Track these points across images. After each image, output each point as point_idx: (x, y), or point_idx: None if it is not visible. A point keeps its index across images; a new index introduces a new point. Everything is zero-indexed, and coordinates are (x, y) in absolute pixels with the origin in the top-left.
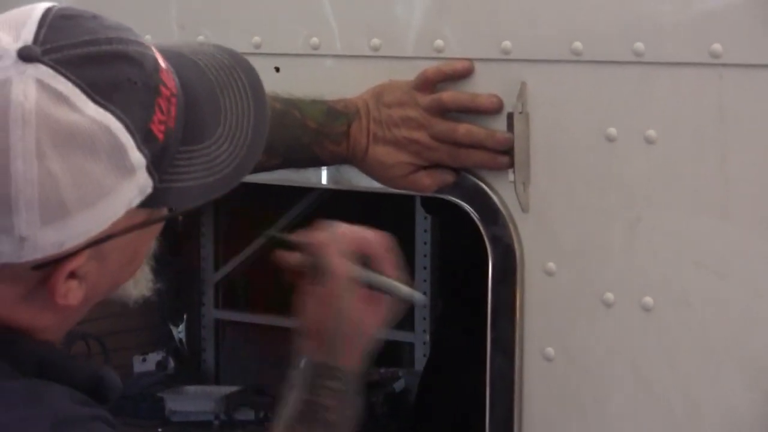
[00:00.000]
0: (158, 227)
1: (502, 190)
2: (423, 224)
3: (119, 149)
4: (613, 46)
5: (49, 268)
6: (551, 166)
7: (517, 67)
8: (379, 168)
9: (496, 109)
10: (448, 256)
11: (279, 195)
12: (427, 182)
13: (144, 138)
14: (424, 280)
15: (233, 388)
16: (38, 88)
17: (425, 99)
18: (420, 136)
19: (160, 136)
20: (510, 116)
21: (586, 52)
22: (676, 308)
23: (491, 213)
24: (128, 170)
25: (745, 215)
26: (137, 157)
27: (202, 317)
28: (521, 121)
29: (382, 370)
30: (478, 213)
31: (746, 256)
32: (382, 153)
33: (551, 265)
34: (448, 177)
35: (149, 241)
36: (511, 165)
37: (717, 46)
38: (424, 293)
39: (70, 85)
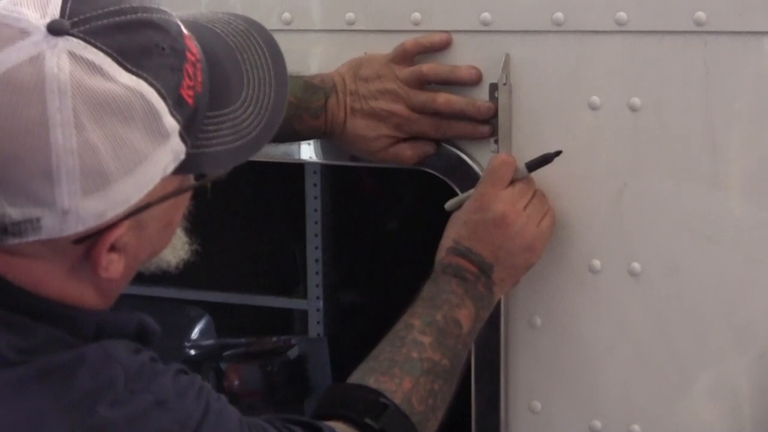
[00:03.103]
0: (189, 194)
1: (484, 162)
2: (313, 191)
3: (153, 115)
4: (595, 15)
5: (91, 240)
6: (535, 136)
7: (498, 38)
8: (359, 141)
9: (475, 81)
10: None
11: None
12: (409, 154)
13: (175, 103)
14: (316, 248)
15: None
16: (71, 60)
17: (404, 71)
18: (399, 108)
19: (190, 101)
20: (492, 87)
21: (568, 22)
22: (664, 274)
23: (473, 185)
24: (163, 136)
25: (734, 181)
26: (171, 123)
27: None
28: (504, 92)
29: (275, 339)
30: (459, 185)
31: (735, 221)
32: (362, 126)
33: None
34: (429, 148)
35: (182, 208)
36: (493, 134)
37: (701, 14)
38: (316, 260)
39: (101, 54)
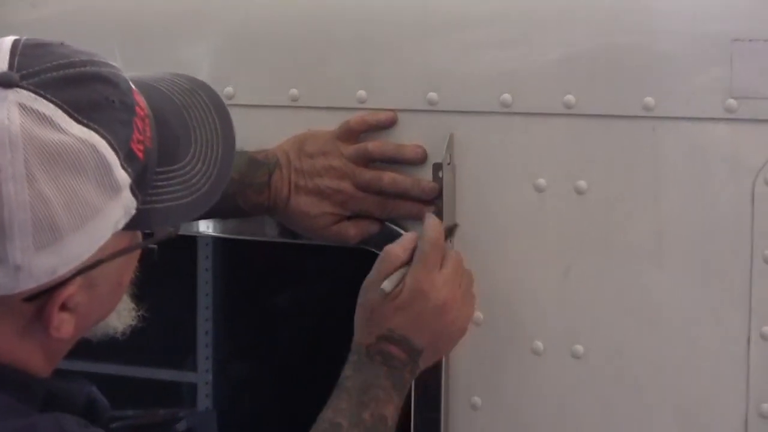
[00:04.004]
0: (138, 253)
1: None
2: (205, 263)
3: (105, 167)
4: (543, 98)
5: (42, 298)
6: (479, 216)
7: (444, 117)
8: (302, 218)
9: (421, 160)
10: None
11: None
12: (352, 233)
13: (126, 156)
14: (206, 320)
15: None
16: (21, 112)
17: (349, 148)
18: (344, 185)
19: (141, 155)
20: (436, 167)
21: (516, 104)
22: (607, 357)
23: None
24: (114, 189)
25: (678, 265)
26: (122, 176)
27: None
28: (448, 172)
29: (164, 412)
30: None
31: (679, 304)
32: (305, 203)
33: (478, 315)
34: (373, 227)
35: (132, 268)
36: (437, 215)
37: (650, 99)
38: (206, 333)
39: (51, 106)
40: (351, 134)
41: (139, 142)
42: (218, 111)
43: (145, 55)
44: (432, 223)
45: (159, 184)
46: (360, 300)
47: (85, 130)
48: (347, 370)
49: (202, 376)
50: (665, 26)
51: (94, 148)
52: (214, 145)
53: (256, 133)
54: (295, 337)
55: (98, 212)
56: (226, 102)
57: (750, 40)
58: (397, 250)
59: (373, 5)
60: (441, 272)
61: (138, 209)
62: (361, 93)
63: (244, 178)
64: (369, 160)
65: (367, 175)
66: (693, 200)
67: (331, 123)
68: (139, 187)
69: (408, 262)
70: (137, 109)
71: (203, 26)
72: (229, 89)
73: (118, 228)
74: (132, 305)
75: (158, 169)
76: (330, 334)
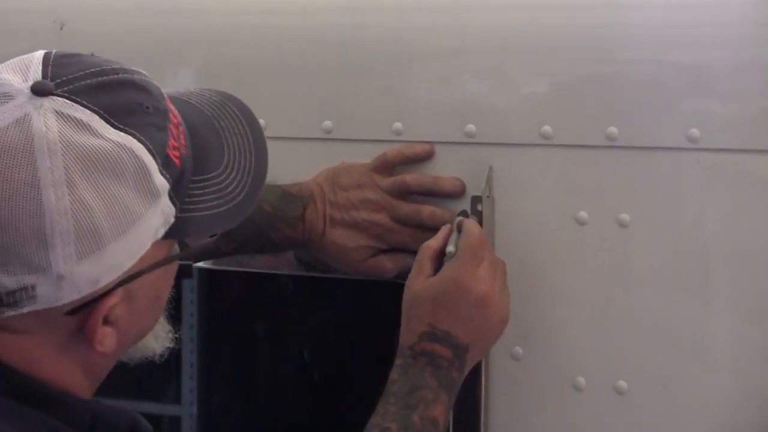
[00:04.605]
0: (175, 268)
1: None
2: (189, 296)
3: (144, 172)
4: (585, 130)
5: (85, 310)
6: (519, 250)
7: (482, 150)
8: (338, 252)
9: (459, 193)
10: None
11: None
12: (389, 266)
13: (164, 162)
14: (191, 352)
15: None
16: (58, 119)
17: (386, 181)
18: (381, 218)
19: (177, 161)
20: (475, 200)
21: (557, 136)
22: (651, 393)
23: None
24: (154, 195)
25: (724, 298)
26: (161, 181)
27: None
28: (488, 205)
29: None
30: None
31: (725, 339)
32: (341, 236)
33: (518, 350)
34: (410, 260)
35: (169, 282)
36: None
37: (694, 131)
38: (191, 365)
39: (88, 112)
40: (387, 167)
41: (174, 148)
42: (248, 121)
43: (175, 87)
44: (472, 223)
45: (195, 192)
46: (403, 298)
47: (122, 134)
48: (393, 374)
49: (186, 408)
50: (710, 57)
51: (133, 153)
52: (247, 155)
53: (289, 166)
54: (282, 369)
55: (139, 219)
56: None
57: None
58: (433, 243)
59: (409, 36)
60: (481, 266)
61: (176, 217)
62: (398, 125)
63: (277, 211)
64: (406, 193)
65: (406, 208)
66: (739, 233)
67: (365, 156)
68: (176, 194)
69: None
70: (170, 116)
71: (234, 57)
72: (260, 121)
73: (157, 237)
74: (169, 327)
75: (193, 178)
76: (318, 366)
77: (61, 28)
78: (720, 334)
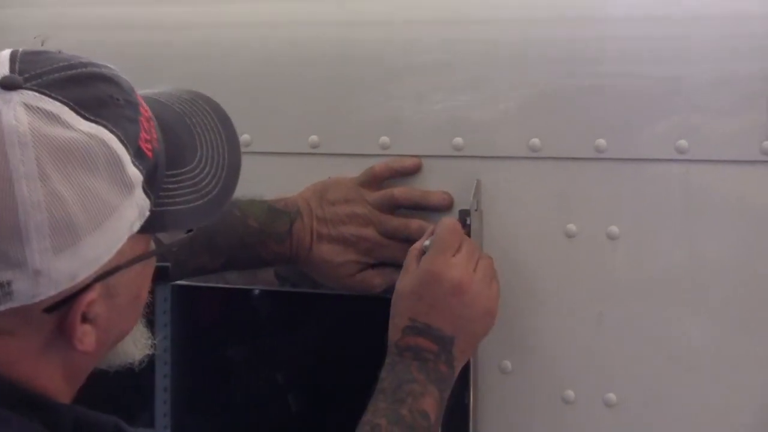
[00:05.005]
0: (154, 265)
1: None
2: (162, 318)
3: (117, 162)
4: (574, 142)
5: (63, 308)
6: (508, 263)
7: (470, 163)
8: (325, 267)
9: (447, 207)
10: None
11: None
12: (377, 281)
13: (136, 153)
14: (165, 376)
15: None
16: (28, 111)
17: (374, 195)
18: (369, 233)
19: (149, 153)
20: (463, 213)
21: (545, 149)
22: (642, 405)
23: None
24: (127, 186)
25: (714, 309)
26: (134, 172)
27: None
28: (476, 219)
29: None
30: None
31: (716, 350)
32: (328, 251)
33: (507, 363)
34: (398, 275)
35: (148, 281)
36: None
37: (683, 143)
38: (165, 389)
39: (58, 104)
40: (375, 181)
41: (146, 141)
42: (220, 118)
43: None
44: (449, 218)
45: (169, 187)
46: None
47: (93, 125)
48: (382, 373)
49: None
50: (698, 69)
51: (105, 143)
52: (220, 150)
53: (275, 181)
54: (259, 391)
55: (114, 211)
56: (243, 150)
57: None
58: (418, 244)
59: (396, 50)
60: (456, 255)
61: (152, 211)
62: (384, 139)
63: (264, 227)
64: (394, 207)
65: (394, 222)
66: (730, 245)
67: (352, 170)
68: (150, 187)
69: None
70: (141, 109)
71: (219, 71)
72: (245, 136)
73: (133, 230)
74: (149, 334)
75: (167, 172)
76: (298, 388)
77: (42, 44)
78: (709, 346)
